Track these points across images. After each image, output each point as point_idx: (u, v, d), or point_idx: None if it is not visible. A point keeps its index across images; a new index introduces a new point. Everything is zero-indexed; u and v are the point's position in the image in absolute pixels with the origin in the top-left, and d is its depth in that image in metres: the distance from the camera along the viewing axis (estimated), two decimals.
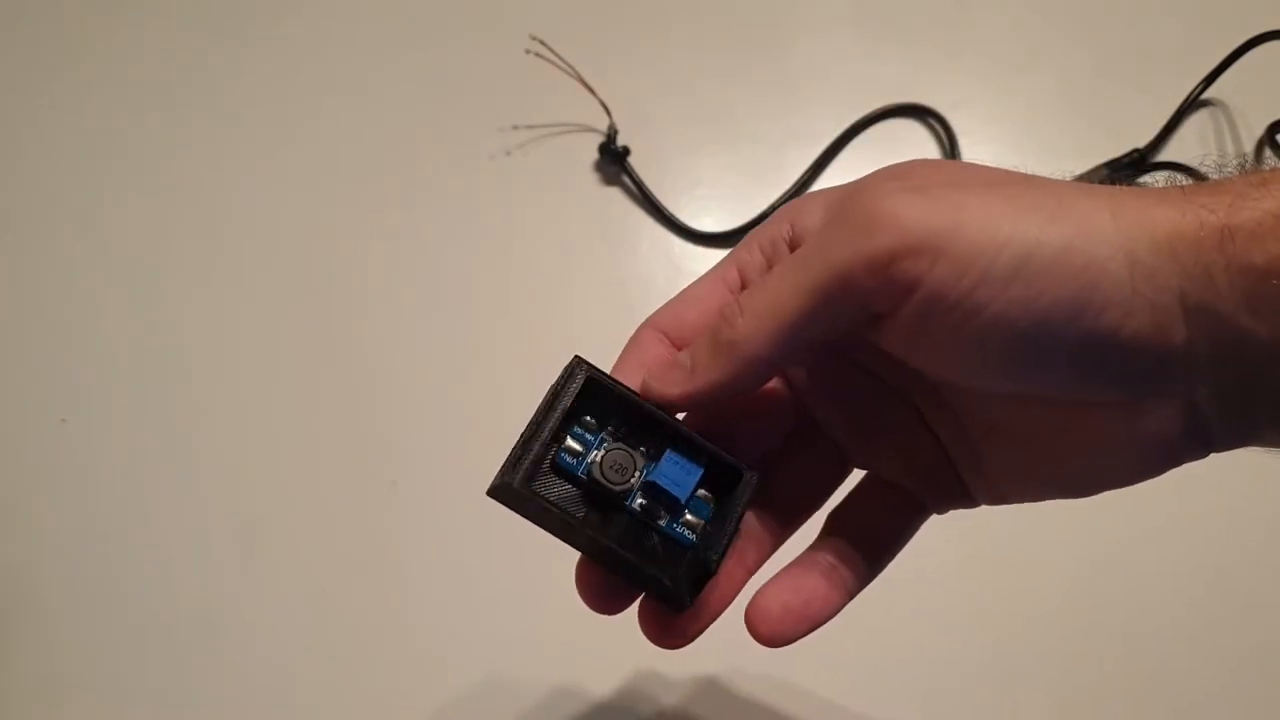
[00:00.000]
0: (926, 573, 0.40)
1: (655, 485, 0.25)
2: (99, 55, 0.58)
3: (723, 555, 0.25)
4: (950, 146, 0.55)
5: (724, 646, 0.27)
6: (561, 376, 0.26)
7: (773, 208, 0.53)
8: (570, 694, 0.43)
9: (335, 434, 0.48)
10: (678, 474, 0.25)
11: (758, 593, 0.26)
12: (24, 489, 0.47)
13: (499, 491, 0.25)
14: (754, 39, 0.59)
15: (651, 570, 0.24)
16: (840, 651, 0.37)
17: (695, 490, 0.25)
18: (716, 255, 0.53)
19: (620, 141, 0.54)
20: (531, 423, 0.25)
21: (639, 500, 0.25)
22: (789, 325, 0.22)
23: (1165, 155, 0.55)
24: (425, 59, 0.58)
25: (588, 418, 0.26)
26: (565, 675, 0.43)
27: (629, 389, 0.25)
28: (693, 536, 0.25)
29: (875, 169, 0.24)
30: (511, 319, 0.51)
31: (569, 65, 0.54)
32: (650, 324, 0.27)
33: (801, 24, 0.59)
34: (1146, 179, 0.54)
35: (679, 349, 0.26)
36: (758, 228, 0.27)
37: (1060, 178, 0.23)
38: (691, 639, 0.26)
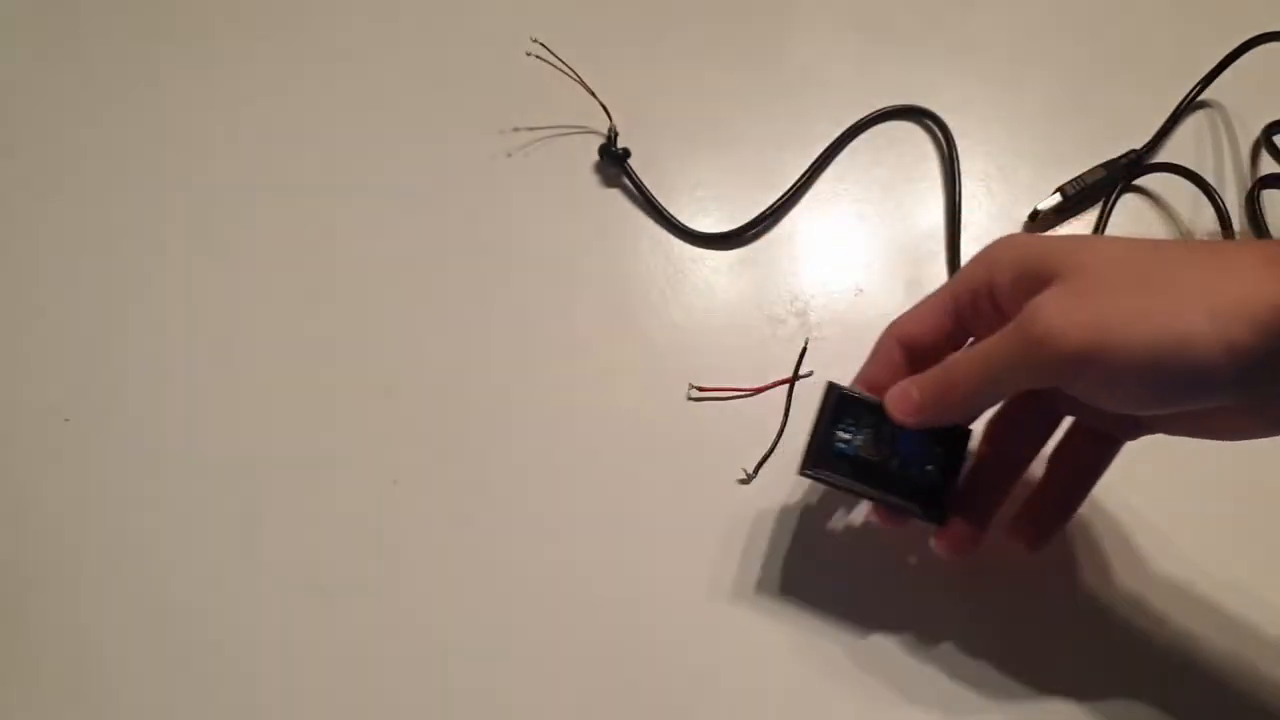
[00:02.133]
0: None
1: (902, 449, 0.39)
2: (101, 54, 0.59)
3: (956, 474, 0.39)
4: (949, 148, 0.55)
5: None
6: (824, 397, 0.39)
7: (772, 209, 0.53)
8: (569, 691, 0.43)
9: (336, 433, 0.49)
10: (914, 441, 0.38)
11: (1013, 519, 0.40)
12: (27, 488, 0.48)
13: (805, 472, 0.39)
14: (753, 41, 0.59)
15: (909, 503, 0.39)
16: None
17: (930, 448, 0.38)
18: (716, 256, 0.53)
19: (620, 143, 0.54)
20: (814, 427, 0.39)
21: (894, 462, 0.39)
22: (981, 399, 0.36)
23: (1162, 156, 0.55)
24: (425, 61, 0.58)
25: (848, 419, 0.39)
26: (565, 673, 0.44)
27: (868, 396, 0.38)
28: (934, 475, 0.39)
29: (1074, 239, 0.36)
30: (512, 320, 0.51)
31: (569, 67, 0.54)
32: (891, 334, 0.39)
33: (801, 26, 0.60)
34: (1144, 180, 0.55)
35: (908, 351, 0.38)
36: (963, 271, 0.36)
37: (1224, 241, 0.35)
38: (974, 547, 0.39)
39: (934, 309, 0.37)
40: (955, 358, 0.35)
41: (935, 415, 0.35)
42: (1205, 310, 0.27)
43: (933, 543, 0.39)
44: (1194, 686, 0.42)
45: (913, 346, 0.38)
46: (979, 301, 0.35)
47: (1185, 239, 0.41)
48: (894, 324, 0.39)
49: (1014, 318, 0.31)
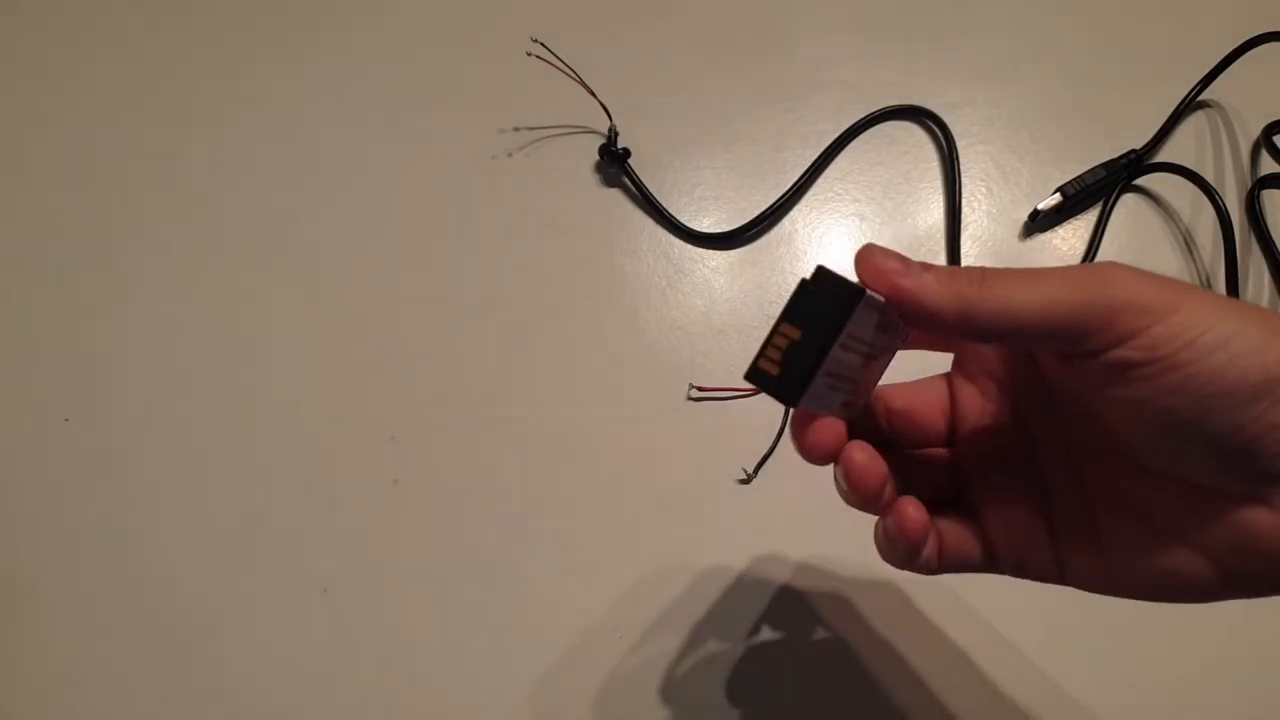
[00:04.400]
0: None
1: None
2: (102, 54, 0.59)
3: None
4: (948, 148, 0.55)
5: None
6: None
7: (772, 209, 0.53)
8: (569, 691, 0.43)
9: (335, 433, 0.49)
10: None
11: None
12: (27, 488, 0.48)
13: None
14: (754, 41, 0.59)
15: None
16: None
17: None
18: (717, 256, 0.53)
19: (621, 143, 0.54)
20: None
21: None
22: (1013, 319, 0.25)
23: (1162, 156, 0.55)
24: (426, 61, 0.58)
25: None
26: (563, 673, 0.44)
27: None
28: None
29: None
30: (511, 319, 0.51)
31: (570, 67, 0.54)
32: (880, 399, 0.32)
33: (801, 26, 0.60)
34: (1144, 180, 0.55)
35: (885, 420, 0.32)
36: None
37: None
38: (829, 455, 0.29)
39: (931, 387, 0.33)
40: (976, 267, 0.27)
41: (936, 305, 0.26)
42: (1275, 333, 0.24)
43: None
44: None
45: (896, 420, 0.32)
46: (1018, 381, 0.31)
47: None
48: (887, 391, 0.32)
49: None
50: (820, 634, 0.44)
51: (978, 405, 0.32)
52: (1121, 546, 0.28)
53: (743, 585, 0.45)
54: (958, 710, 0.43)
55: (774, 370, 0.26)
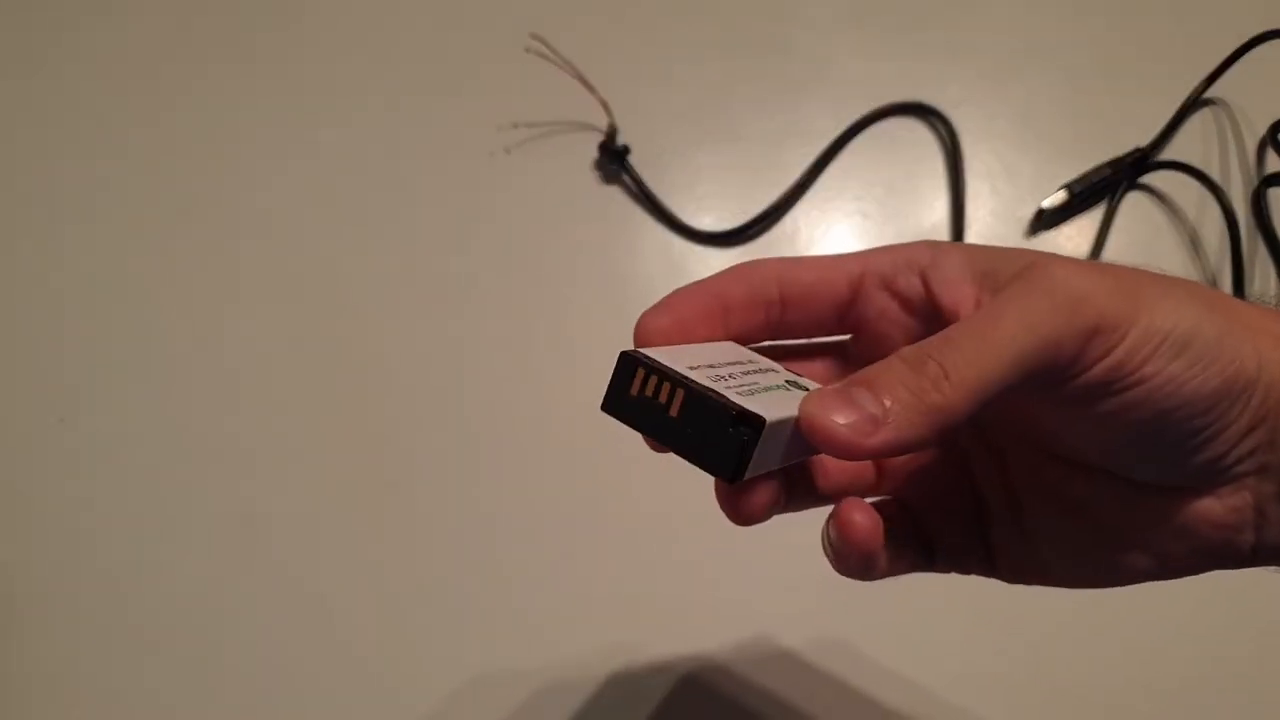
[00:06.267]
0: None
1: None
2: (101, 54, 0.58)
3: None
4: (952, 145, 0.55)
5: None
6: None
7: (773, 207, 0.53)
8: (567, 690, 0.43)
9: (333, 432, 0.48)
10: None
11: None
12: (21, 488, 0.47)
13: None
14: (755, 37, 0.59)
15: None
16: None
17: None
18: (716, 254, 0.53)
19: (620, 140, 0.54)
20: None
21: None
22: (992, 391, 0.22)
23: (1167, 154, 0.55)
24: (425, 56, 0.58)
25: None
26: (563, 671, 0.43)
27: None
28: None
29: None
30: (510, 318, 0.51)
31: (569, 63, 0.54)
32: (769, 269, 0.26)
33: (802, 22, 0.59)
34: (1149, 178, 0.54)
35: (780, 296, 0.26)
36: (896, 245, 0.26)
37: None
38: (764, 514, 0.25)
39: (836, 266, 0.27)
40: (917, 347, 0.22)
41: (915, 435, 0.22)
42: (1234, 318, 0.22)
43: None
44: None
45: (789, 295, 0.27)
46: (901, 279, 0.26)
47: None
48: (779, 258, 0.27)
49: (951, 312, 0.24)
50: (822, 633, 0.44)
51: None
52: (1050, 540, 0.27)
53: (743, 585, 0.44)
54: (962, 709, 0.42)
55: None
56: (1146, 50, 0.58)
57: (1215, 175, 0.53)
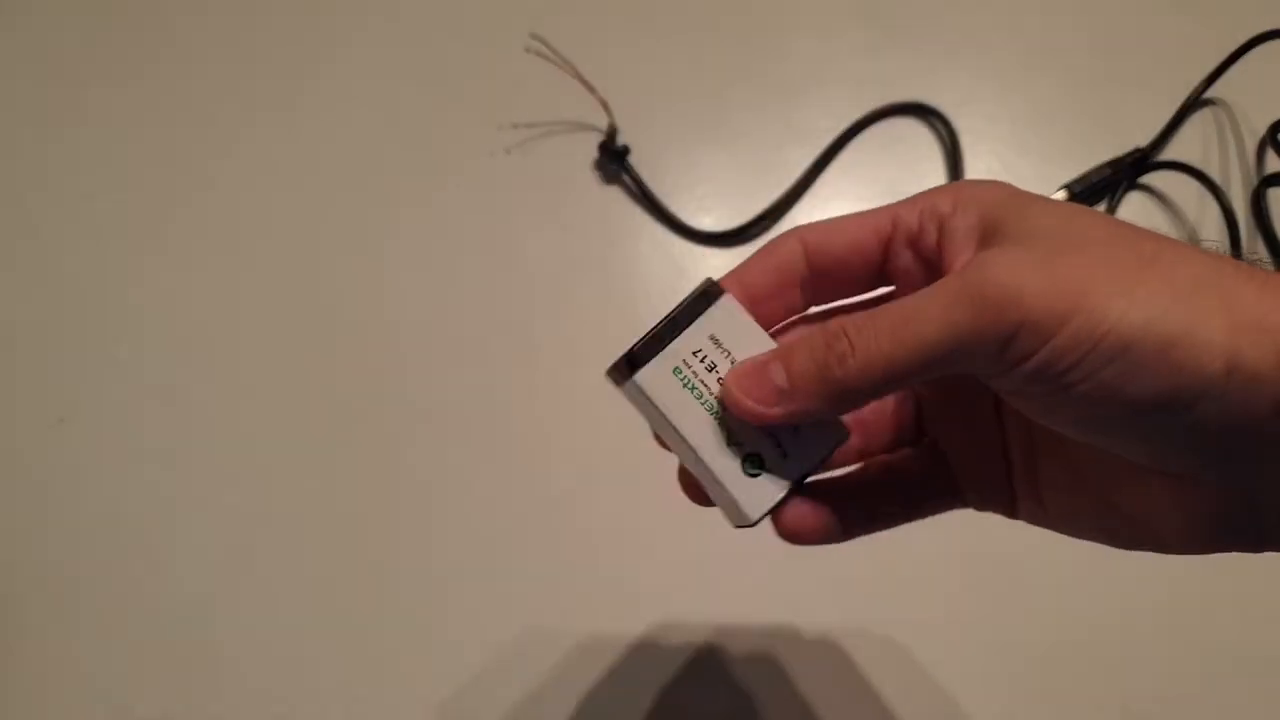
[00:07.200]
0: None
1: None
2: (99, 54, 0.58)
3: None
4: (952, 146, 0.55)
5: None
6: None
7: (774, 206, 0.53)
8: (570, 688, 0.43)
9: (334, 432, 0.48)
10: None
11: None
12: (21, 489, 0.47)
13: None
14: (755, 37, 0.59)
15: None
16: None
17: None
18: (716, 254, 0.53)
19: (620, 140, 0.54)
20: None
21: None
22: (896, 376, 0.23)
23: (1167, 154, 0.55)
24: (424, 56, 0.58)
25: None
26: (562, 669, 0.43)
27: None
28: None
29: (990, 181, 0.25)
30: (510, 318, 0.51)
31: (569, 63, 0.54)
32: (797, 237, 0.27)
33: (803, 22, 0.59)
34: (1150, 178, 0.54)
35: (812, 271, 0.27)
36: (927, 192, 0.26)
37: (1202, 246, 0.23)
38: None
39: (865, 225, 0.27)
40: (842, 321, 0.23)
41: (811, 407, 0.24)
42: (1222, 308, 0.20)
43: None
44: None
45: (820, 267, 0.27)
46: (924, 236, 0.26)
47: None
48: (805, 229, 0.27)
49: (951, 270, 0.24)
50: (821, 633, 0.44)
51: None
52: (1053, 489, 0.27)
53: (743, 584, 0.45)
54: (962, 709, 0.42)
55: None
56: (1146, 50, 0.58)
57: (1215, 175, 0.53)
